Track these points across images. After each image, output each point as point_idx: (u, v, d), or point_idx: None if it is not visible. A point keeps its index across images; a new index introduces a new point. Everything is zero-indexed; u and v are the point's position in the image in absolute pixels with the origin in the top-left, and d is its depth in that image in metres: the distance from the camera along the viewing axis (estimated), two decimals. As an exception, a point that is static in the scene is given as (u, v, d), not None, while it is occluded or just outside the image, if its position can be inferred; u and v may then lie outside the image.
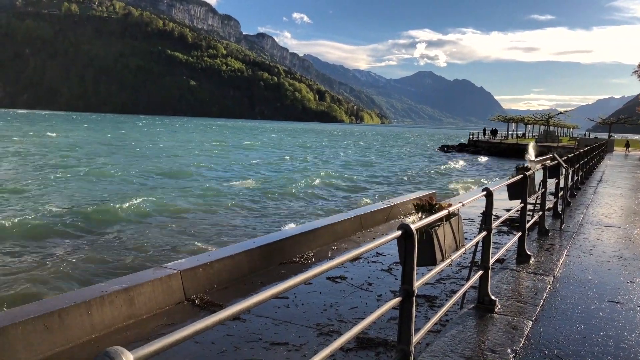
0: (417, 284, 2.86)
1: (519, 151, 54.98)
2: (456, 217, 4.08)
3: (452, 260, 3.81)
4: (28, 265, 10.84)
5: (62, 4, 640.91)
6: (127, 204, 18.68)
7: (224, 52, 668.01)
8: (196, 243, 12.95)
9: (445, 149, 73.38)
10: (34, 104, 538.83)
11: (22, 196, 20.14)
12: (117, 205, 18.43)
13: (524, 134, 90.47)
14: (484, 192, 4.57)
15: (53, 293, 8.52)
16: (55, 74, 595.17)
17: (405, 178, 34.33)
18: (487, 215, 4.69)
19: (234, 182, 27.32)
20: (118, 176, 28.17)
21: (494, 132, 77.51)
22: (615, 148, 53.15)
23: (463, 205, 4.00)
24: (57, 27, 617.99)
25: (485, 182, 28.43)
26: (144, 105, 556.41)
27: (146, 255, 11.67)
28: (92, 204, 18.84)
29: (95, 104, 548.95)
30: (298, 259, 8.51)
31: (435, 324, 3.63)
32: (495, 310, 4.83)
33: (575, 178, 13.83)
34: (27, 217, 15.71)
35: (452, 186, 29.32)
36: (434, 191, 18.44)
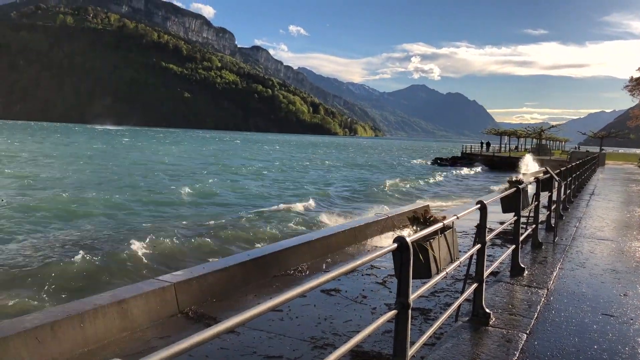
0: (412, 296, 2.87)
1: (511, 164, 55.45)
2: (451, 229, 4.10)
3: (447, 273, 3.83)
4: (20, 276, 10.74)
5: (57, 16, 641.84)
6: (123, 215, 18.59)
7: (219, 64, 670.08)
8: (190, 255, 12.89)
9: (438, 161, 73.77)
10: (27, 115, 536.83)
11: (14, 205, 20.00)
12: (111, 216, 18.35)
13: (516, 147, 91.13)
14: (478, 205, 4.60)
15: (46, 305, 8.44)
16: (50, 85, 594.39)
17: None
18: (481, 228, 4.72)
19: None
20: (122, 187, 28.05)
21: (487, 145, 78.63)
22: (606, 161, 53.54)
23: (457, 218, 4.02)
24: (52, 39, 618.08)
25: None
26: (138, 117, 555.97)
27: (140, 267, 11.60)
28: (85, 215, 18.73)
29: (89, 116, 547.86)
30: (292, 271, 8.49)
31: (430, 337, 3.63)
32: (490, 323, 4.84)
33: (568, 191, 13.92)
34: (19, 226, 15.60)
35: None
36: (428, 204, 18.49)
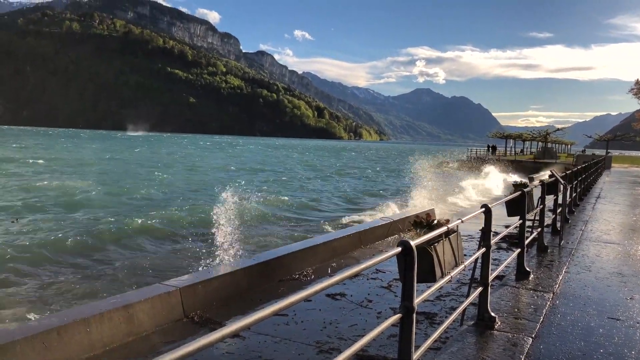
0: (417, 300, 2.88)
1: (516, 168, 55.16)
2: (455, 233, 4.10)
3: (451, 276, 3.83)
4: (27, 282, 10.79)
5: (64, 22, 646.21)
6: (128, 220, 18.64)
7: (224, 69, 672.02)
8: (195, 259, 12.91)
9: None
10: (34, 120, 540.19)
11: (20, 209, 20.11)
12: (118, 221, 18.40)
13: (522, 151, 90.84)
14: (483, 209, 4.60)
15: (52, 310, 8.48)
16: (55, 90, 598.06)
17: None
18: (485, 232, 4.71)
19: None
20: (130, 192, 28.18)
21: (493, 148, 78.43)
22: (613, 164, 53.27)
23: (462, 221, 4.02)
24: (58, 45, 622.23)
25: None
26: (142, 122, 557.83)
27: (145, 272, 11.63)
28: (91, 219, 18.81)
29: (95, 121, 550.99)
30: (297, 275, 8.49)
31: (435, 340, 3.62)
32: (495, 327, 4.83)
33: (574, 194, 13.86)
34: (27, 233, 15.68)
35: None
36: (432, 208, 18.45)
